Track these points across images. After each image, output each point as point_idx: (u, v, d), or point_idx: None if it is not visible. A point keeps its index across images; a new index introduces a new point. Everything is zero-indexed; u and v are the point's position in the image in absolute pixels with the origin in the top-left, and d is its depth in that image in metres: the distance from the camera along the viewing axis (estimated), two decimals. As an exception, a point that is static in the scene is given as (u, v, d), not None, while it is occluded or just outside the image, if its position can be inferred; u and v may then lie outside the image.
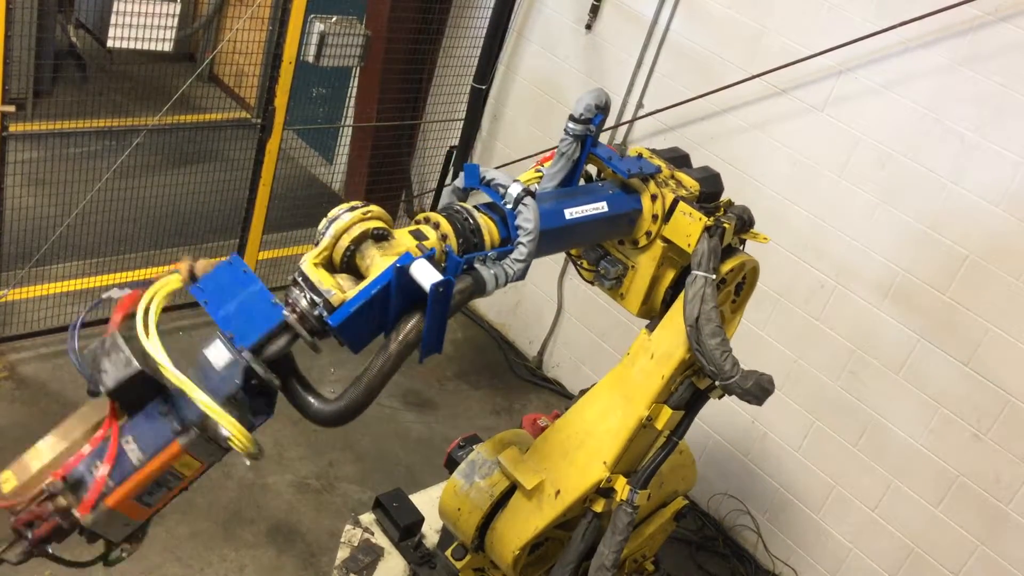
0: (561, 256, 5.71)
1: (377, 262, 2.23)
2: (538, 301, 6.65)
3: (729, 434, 5.66)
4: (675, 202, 3.08)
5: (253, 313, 2.16)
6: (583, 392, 3.60)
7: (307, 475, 5.31)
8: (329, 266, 2.26)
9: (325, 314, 2.15)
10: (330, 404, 2.28)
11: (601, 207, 2.94)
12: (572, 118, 2.97)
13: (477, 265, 2.48)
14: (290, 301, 2.18)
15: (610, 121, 5.93)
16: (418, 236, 2.38)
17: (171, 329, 6.00)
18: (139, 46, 5.51)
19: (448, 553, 3.80)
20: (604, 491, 3.36)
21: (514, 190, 2.56)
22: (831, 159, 5.03)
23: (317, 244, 2.26)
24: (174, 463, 2.14)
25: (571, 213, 2.83)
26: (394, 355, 2.27)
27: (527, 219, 2.53)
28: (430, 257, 2.24)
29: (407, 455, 5.68)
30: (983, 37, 4.42)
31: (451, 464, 3.84)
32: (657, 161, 3.21)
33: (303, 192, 7.56)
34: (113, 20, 5.33)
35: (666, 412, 3.27)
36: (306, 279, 2.19)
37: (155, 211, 6.18)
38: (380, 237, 2.27)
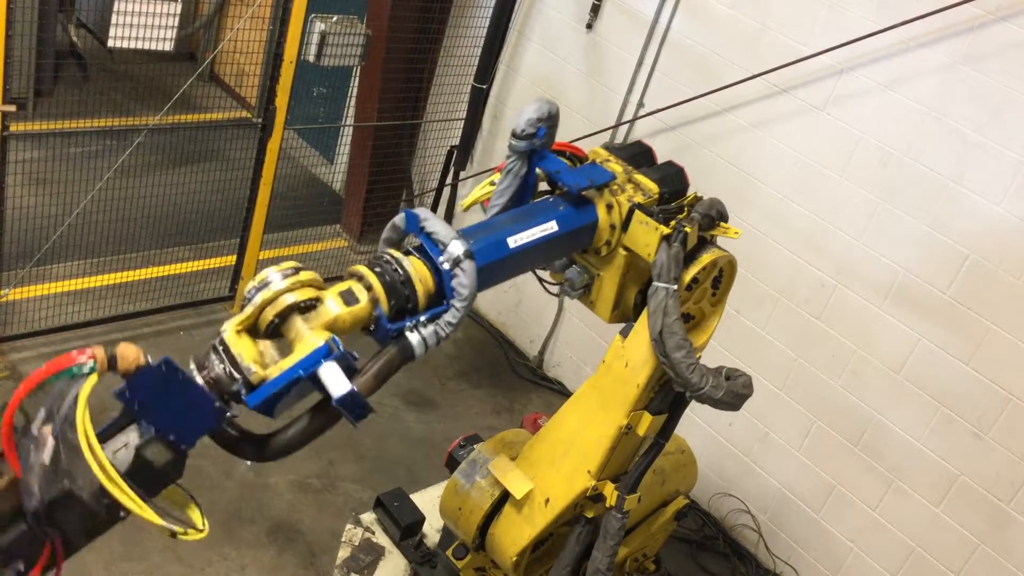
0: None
1: (302, 336, 2.22)
2: (539, 300, 6.64)
3: (730, 433, 5.67)
4: (631, 211, 2.94)
5: (196, 415, 2.12)
6: None
7: (308, 474, 5.31)
8: (253, 330, 2.24)
9: (243, 392, 2.15)
10: (261, 448, 2.30)
11: (551, 227, 2.84)
12: (514, 134, 2.89)
13: (407, 332, 2.43)
14: (206, 366, 2.16)
15: (611, 120, 5.95)
16: (348, 299, 2.33)
17: (172, 329, 6.01)
18: (140, 45, 5.51)
19: (449, 552, 3.81)
20: (595, 496, 3.35)
21: (454, 249, 2.46)
22: (832, 158, 5.03)
23: (242, 309, 2.24)
24: None
25: (515, 240, 2.74)
26: (313, 431, 2.31)
27: (463, 284, 2.45)
28: (341, 358, 2.20)
29: (408, 454, 5.68)
30: (984, 36, 4.42)
31: (452, 463, 3.85)
32: (613, 165, 3.06)
33: (304, 192, 7.57)
34: (114, 20, 5.33)
35: (647, 419, 3.20)
36: (227, 349, 2.16)
37: (156, 211, 6.19)
38: (307, 308, 2.26)
